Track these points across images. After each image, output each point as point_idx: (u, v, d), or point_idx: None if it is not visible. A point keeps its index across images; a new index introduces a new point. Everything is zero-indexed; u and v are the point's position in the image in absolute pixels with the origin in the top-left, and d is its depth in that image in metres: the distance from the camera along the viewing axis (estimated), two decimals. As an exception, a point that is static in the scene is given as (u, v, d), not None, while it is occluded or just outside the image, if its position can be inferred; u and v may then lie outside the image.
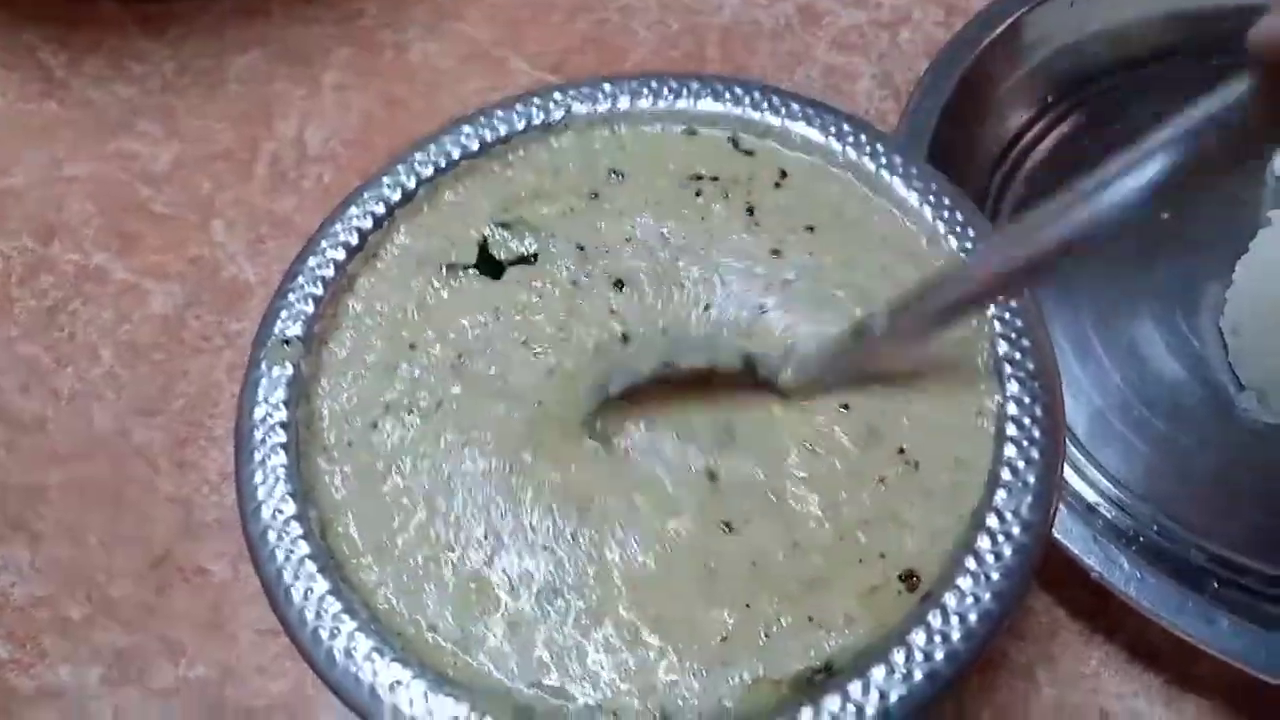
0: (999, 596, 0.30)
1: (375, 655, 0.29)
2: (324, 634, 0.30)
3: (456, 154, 0.38)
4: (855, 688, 0.28)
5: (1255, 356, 0.48)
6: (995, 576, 0.30)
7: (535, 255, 0.37)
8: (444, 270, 0.37)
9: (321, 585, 0.30)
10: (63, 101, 0.60)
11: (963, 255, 0.36)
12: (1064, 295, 0.50)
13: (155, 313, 0.52)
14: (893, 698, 0.28)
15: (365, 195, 0.38)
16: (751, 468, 0.33)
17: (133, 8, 0.62)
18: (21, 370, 0.51)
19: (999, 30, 0.54)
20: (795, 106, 0.39)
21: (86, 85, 0.60)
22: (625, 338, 0.35)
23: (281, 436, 0.33)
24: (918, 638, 0.29)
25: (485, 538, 0.32)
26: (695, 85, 0.40)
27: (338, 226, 0.37)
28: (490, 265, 0.37)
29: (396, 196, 0.38)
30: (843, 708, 0.28)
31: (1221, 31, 0.58)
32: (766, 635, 0.30)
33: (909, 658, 0.29)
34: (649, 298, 0.36)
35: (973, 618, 0.29)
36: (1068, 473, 0.45)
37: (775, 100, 0.39)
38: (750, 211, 0.37)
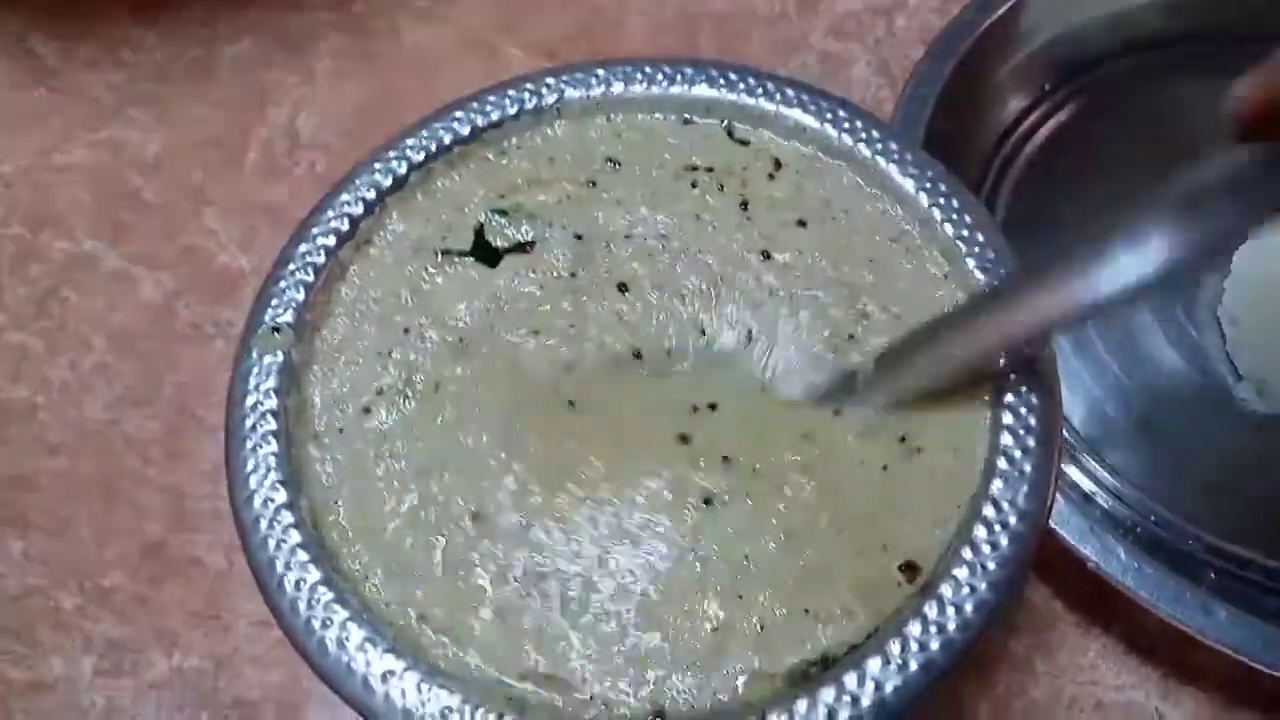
0: (995, 586, 0.29)
1: (368, 645, 0.29)
2: (316, 624, 0.29)
3: (448, 139, 0.38)
4: (851, 679, 0.28)
5: (1253, 346, 0.48)
6: (992, 566, 0.29)
7: (532, 243, 0.37)
8: (439, 256, 0.36)
9: (313, 575, 0.30)
10: (53, 89, 0.59)
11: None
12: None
13: (146, 301, 0.52)
14: (888, 688, 0.28)
15: (357, 181, 0.37)
16: (746, 456, 0.32)
17: (126, -5, 0.62)
18: (11, 358, 0.51)
19: (996, 15, 0.54)
20: (790, 92, 0.39)
21: (77, 72, 0.60)
22: (637, 354, 0.35)
23: (272, 425, 0.33)
24: (913, 628, 0.29)
25: (474, 523, 0.32)
26: (689, 71, 0.39)
27: (329, 213, 0.37)
28: (486, 252, 0.37)
29: (388, 182, 0.37)
30: (838, 699, 0.28)
31: (1221, 17, 0.58)
32: (761, 628, 0.30)
33: (904, 648, 0.28)
34: (652, 307, 0.35)
35: (969, 608, 0.29)
36: (1065, 462, 0.45)
37: (770, 86, 0.39)
38: (744, 206, 0.37)
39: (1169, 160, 0.54)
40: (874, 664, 0.28)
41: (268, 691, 0.43)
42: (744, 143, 0.38)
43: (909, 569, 0.30)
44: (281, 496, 0.31)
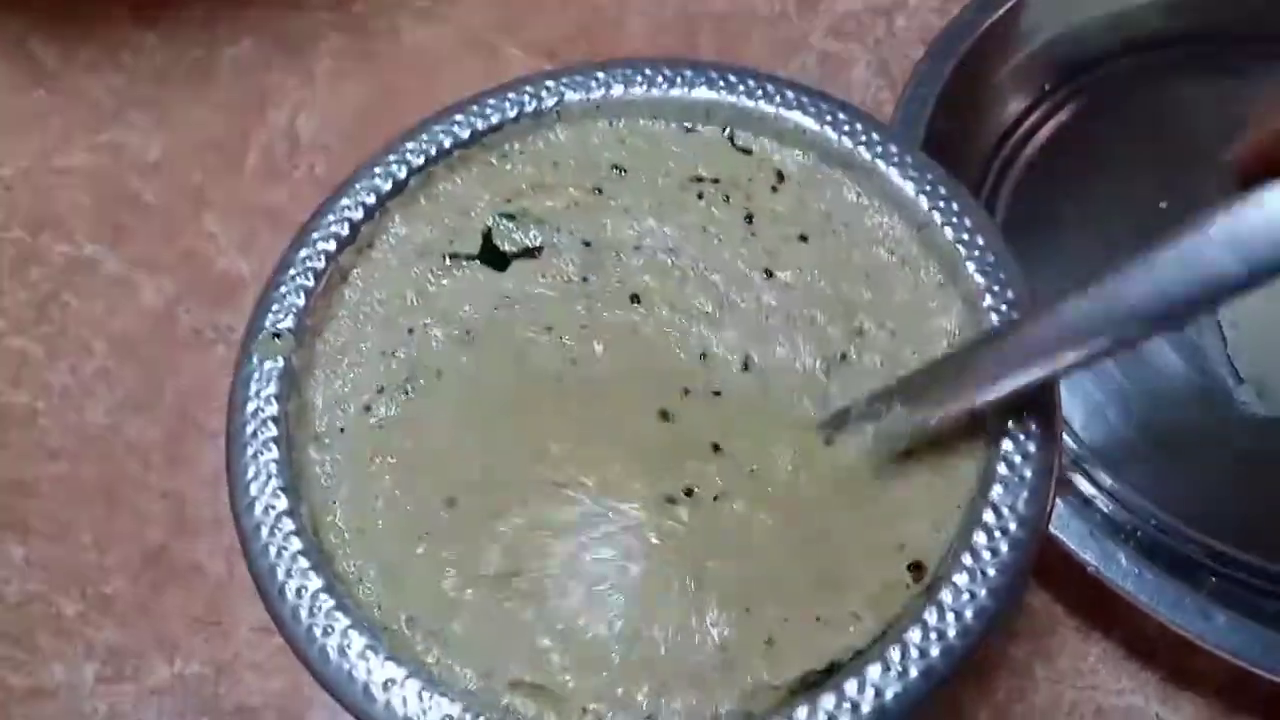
0: (995, 593, 0.29)
1: (369, 653, 0.29)
2: (317, 631, 0.29)
3: (448, 143, 0.38)
4: (851, 686, 0.28)
5: (1254, 349, 0.47)
6: (992, 573, 0.29)
7: (540, 249, 0.37)
8: (446, 259, 0.37)
9: (314, 582, 0.30)
10: (53, 91, 0.59)
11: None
12: (1062, 284, 0.50)
13: (147, 306, 0.52)
14: (888, 695, 0.28)
15: (356, 185, 0.37)
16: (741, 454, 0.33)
17: (125, -3, 0.62)
18: (12, 363, 0.51)
19: (996, 15, 0.54)
20: (790, 94, 0.39)
21: (77, 75, 0.60)
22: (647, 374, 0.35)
23: (273, 431, 0.33)
24: (914, 635, 0.29)
25: (449, 520, 0.32)
26: (689, 73, 0.39)
27: (329, 217, 0.37)
28: (494, 256, 0.37)
29: (388, 186, 0.37)
30: (838, 706, 0.28)
31: (1221, 17, 0.58)
32: (769, 643, 0.30)
33: (905, 655, 0.28)
34: (664, 323, 0.35)
35: (969, 614, 0.29)
36: (1065, 467, 0.45)
37: (770, 88, 0.39)
38: (749, 219, 0.37)
39: (1169, 161, 0.54)
40: (874, 671, 0.28)
41: (269, 698, 0.43)
42: (746, 151, 0.38)
43: (916, 569, 0.31)
44: (282, 503, 0.31)
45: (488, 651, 0.30)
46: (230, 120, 0.58)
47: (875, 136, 0.38)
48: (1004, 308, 0.34)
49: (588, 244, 0.37)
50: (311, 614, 0.30)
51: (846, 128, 0.38)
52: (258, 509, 0.31)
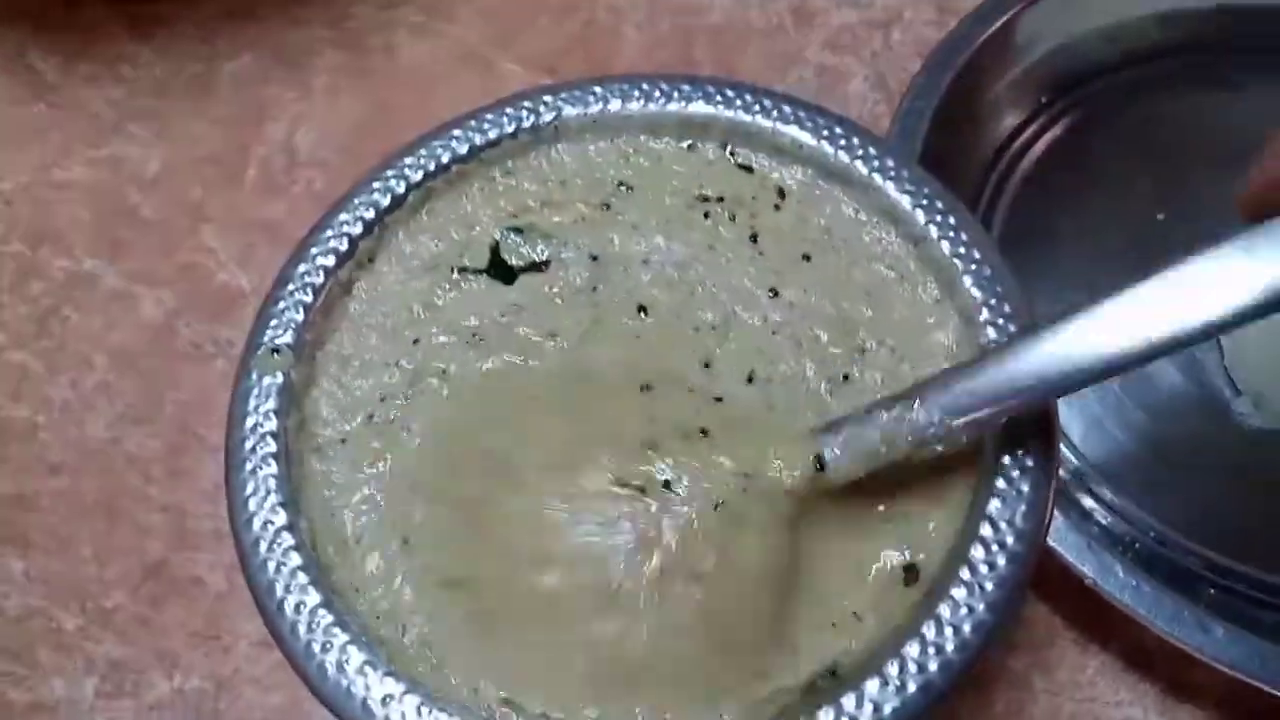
0: (993, 607, 0.29)
1: (368, 669, 0.29)
2: (316, 647, 0.29)
3: (446, 158, 0.38)
4: (849, 700, 0.28)
5: (1251, 361, 0.48)
6: (990, 587, 0.30)
7: (547, 262, 0.37)
8: (454, 272, 0.37)
9: (313, 598, 0.30)
10: (53, 105, 0.59)
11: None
12: (1059, 298, 0.50)
13: (146, 320, 0.52)
14: (886, 710, 0.28)
15: (355, 200, 0.37)
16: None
17: (123, 10, 0.62)
18: (12, 378, 0.51)
19: (992, 29, 0.54)
20: (786, 109, 0.39)
21: (77, 88, 0.60)
22: (647, 386, 0.35)
23: (272, 446, 0.33)
24: (911, 649, 0.29)
25: (420, 525, 0.32)
26: (686, 88, 0.40)
27: (327, 233, 0.37)
28: (502, 270, 0.37)
29: (386, 201, 0.37)
30: (837, 720, 0.28)
31: (1218, 29, 0.58)
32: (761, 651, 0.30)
33: (903, 669, 0.28)
34: (670, 333, 0.36)
35: (967, 628, 0.29)
36: (1062, 479, 0.45)
37: (766, 103, 0.39)
38: (754, 238, 0.37)
39: (1166, 174, 0.54)
40: (872, 685, 0.28)
41: (268, 714, 0.43)
42: (747, 169, 0.39)
43: (909, 571, 0.31)
44: (281, 518, 0.31)
45: (484, 663, 0.30)
46: (229, 134, 0.58)
47: (872, 151, 0.38)
48: (1001, 322, 0.34)
49: (595, 258, 0.37)
50: (310, 629, 0.30)
51: (843, 142, 0.38)
52: (256, 524, 0.31)
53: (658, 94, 0.39)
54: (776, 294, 0.36)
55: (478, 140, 0.39)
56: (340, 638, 0.29)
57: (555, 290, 0.36)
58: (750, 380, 0.34)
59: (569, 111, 0.39)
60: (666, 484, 0.31)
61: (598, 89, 0.40)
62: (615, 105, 0.39)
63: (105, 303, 0.53)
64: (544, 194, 0.38)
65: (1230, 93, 0.57)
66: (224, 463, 0.33)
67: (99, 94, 0.60)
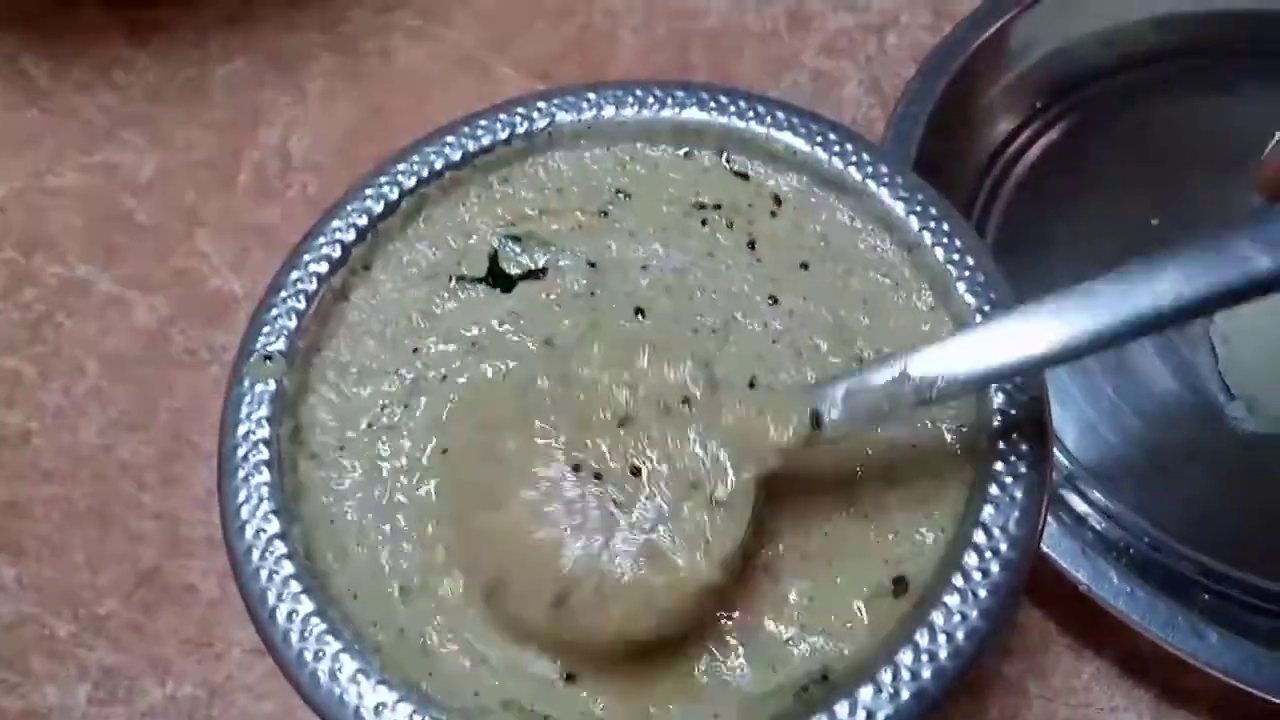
0: (987, 614, 0.29)
1: (360, 677, 0.29)
2: (308, 656, 0.29)
3: (440, 164, 0.38)
4: (842, 708, 0.28)
5: (1245, 365, 0.48)
6: (983, 594, 0.30)
7: (544, 270, 0.37)
8: (452, 281, 0.37)
9: (306, 606, 0.30)
10: (45, 110, 0.59)
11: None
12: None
13: (140, 326, 0.52)
14: (880, 716, 0.28)
15: (348, 207, 0.37)
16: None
17: (117, 15, 0.62)
18: (5, 384, 0.51)
19: (987, 34, 0.54)
20: (780, 115, 0.39)
21: (69, 94, 0.60)
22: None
23: (264, 454, 0.33)
24: (905, 656, 0.29)
25: (459, 535, 0.32)
26: (680, 94, 0.40)
27: (320, 239, 0.37)
28: (500, 279, 0.37)
29: (379, 208, 0.37)
30: (831, 728, 0.28)
31: (1214, 33, 0.58)
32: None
33: (896, 676, 0.28)
34: (668, 333, 0.36)
35: (960, 635, 0.29)
36: (1056, 484, 0.45)
37: (760, 109, 0.39)
38: (752, 245, 0.37)
39: (1161, 178, 0.54)
40: (866, 693, 0.28)
41: (262, 720, 0.43)
42: (743, 176, 0.39)
43: (898, 583, 0.31)
44: (274, 526, 0.31)
45: (479, 669, 0.30)
46: (223, 139, 0.58)
47: (866, 157, 0.38)
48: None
49: (593, 265, 0.37)
50: (303, 638, 0.30)
51: (837, 148, 0.38)
52: (249, 532, 0.31)
53: (652, 100, 0.39)
54: (776, 301, 0.36)
55: (471, 147, 0.39)
56: (332, 646, 0.29)
57: (553, 297, 0.36)
58: (752, 386, 0.34)
59: (563, 117, 0.39)
60: (635, 469, 0.30)
61: (592, 95, 0.40)
62: (610, 111, 0.39)
63: (98, 309, 0.53)
64: (541, 202, 0.38)
65: (1226, 97, 0.57)
66: (216, 470, 0.33)
67: (92, 100, 0.60)
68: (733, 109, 0.39)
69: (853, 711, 0.28)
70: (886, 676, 0.28)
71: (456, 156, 0.38)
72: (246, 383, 0.34)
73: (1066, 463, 0.46)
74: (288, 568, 0.31)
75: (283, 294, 0.36)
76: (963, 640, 0.29)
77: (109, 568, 0.46)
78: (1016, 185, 0.55)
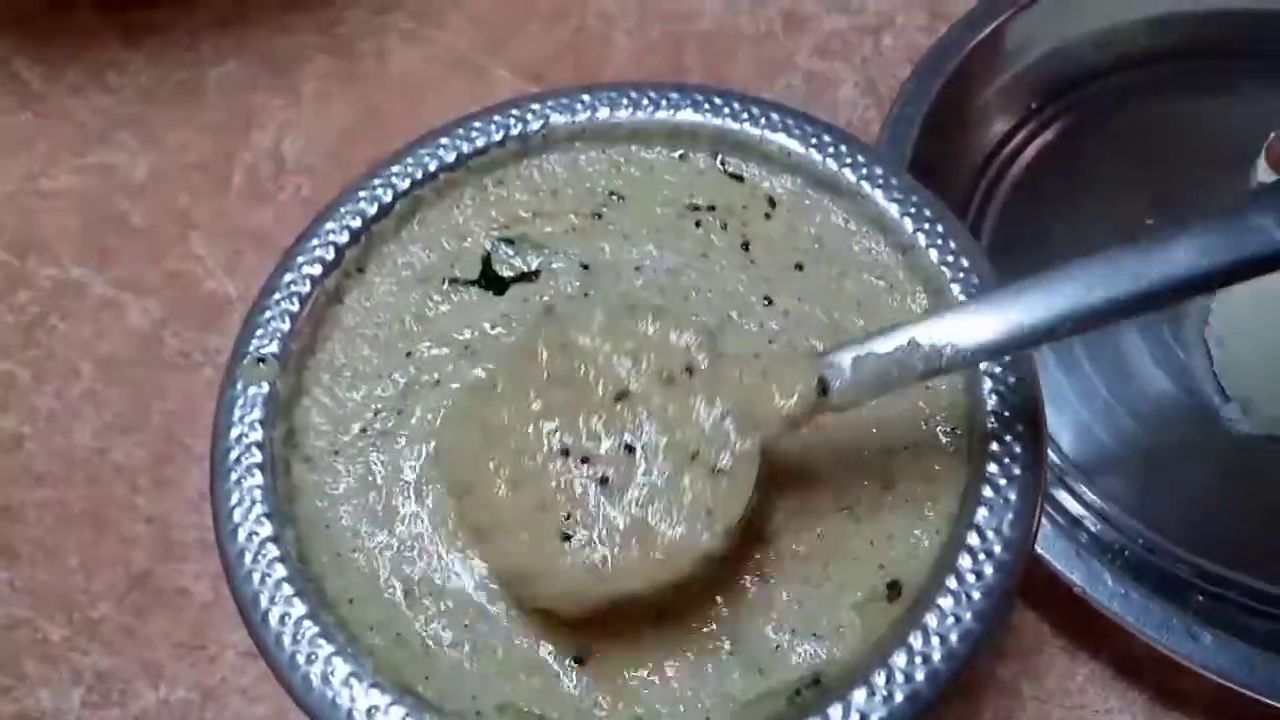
0: (980, 616, 0.29)
1: (353, 680, 0.29)
2: (301, 659, 0.29)
3: (434, 166, 0.38)
4: (836, 711, 0.28)
5: (1240, 367, 0.48)
6: (977, 596, 0.29)
7: (537, 272, 0.37)
8: (445, 284, 0.37)
9: (298, 609, 0.30)
10: (39, 113, 0.59)
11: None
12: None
13: (134, 328, 0.52)
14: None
15: (342, 209, 0.37)
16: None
17: (111, 17, 0.62)
18: (-1, 387, 0.51)
19: (983, 35, 0.54)
20: (775, 117, 0.39)
21: (63, 96, 0.60)
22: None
23: (257, 457, 0.33)
24: (898, 659, 0.29)
25: (449, 527, 0.32)
26: (675, 96, 0.40)
27: (313, 241, 0.37)
28: (493, 281, 0.37)
29: (373, 210, 0.37)
30: (824, 731, 0.28)
31: (1209, 33, 0.58)
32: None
33: (890, 679, 0.28)
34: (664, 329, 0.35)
35: (954, 638, 0.29)
36: (1051, 486, 0.45)
37: (755, 111, 0.39)
38: (746, 246, 0.37)
39: (1157, 178, 0.54)
40: (859, 695, 0.28)
41: (255, 723, 0.43)
42: (738, 178, 0.39)
43: (892, 587, 0.31)
44: (266, 530, 0.31)
45: (479, 669, 0.30)
46: (216, 141, 0.58)
47: (860, 158, 0.38)
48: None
49: (586, 267, 0.37)
50: (295, 641, 0.29)
51: (831, 150, 0.38)
52: (241, 535, 0.31)
53: (646, 102, 0.39)
54: (770, 302, 0.36)
55: (465, 149, 0.39)
56: (325, 649, 0.29)
57: (546, 299, 0.36)
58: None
59: (557, 120, 0.39)
60: (629, 447, 0.30)
61: (586, 97, 0.40)
62: (604, 113, 0.39)
63: (93, 311, 0.52)
64: (535, 204, 0.38)
65: (1222, 98, 0.57)
66: (209, 473, 0.33)
67: (85, 102, 0.60)
68: (727, 111, 0.39)
69: (846, 714, 0.28)
70: (880, 679, 0.28)
71: (450, 158, 0.38)
72: (239, 385, 0.34)
73: (1061, 464, 0.46)
74: (280, 571, 0.31)
75: (276, 296, 0.36)
76: (956, 642, 0.29)
77: (102, 571, 0.46)
78: (1012, 186, 0.55)
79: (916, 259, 0.36)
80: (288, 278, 0.36)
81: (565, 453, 0.30)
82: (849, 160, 0.38)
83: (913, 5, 0.62)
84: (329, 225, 0.37)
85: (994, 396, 0.33)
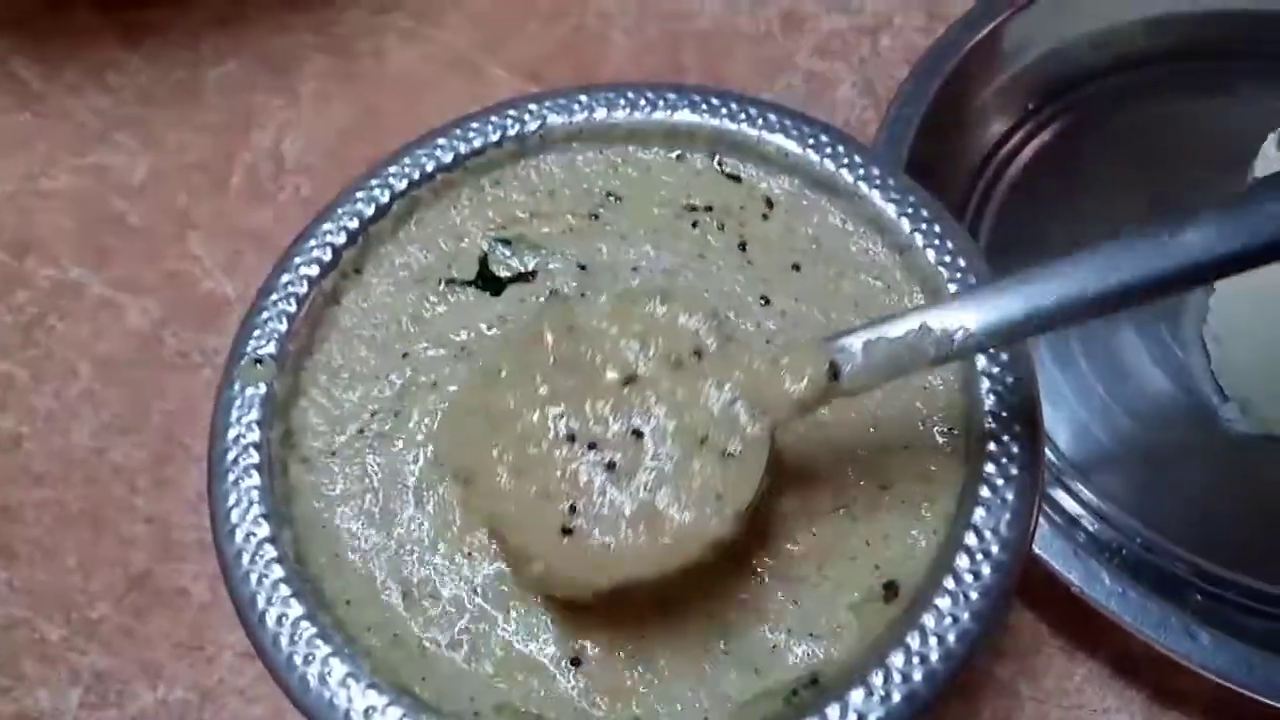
0: (978, 616, 0.29)
1: (350, 681, 0.29)
2: (298, 659, 0.29)
3: (431, 166, 0.38)
4: (833, 711, 0.28)
5: (1238, 366, 0.48)
6: (974, 596, 0.29)
7: (534, 273, 0.37)
8: (442, 284, 0.37)
9: (296, 610, 0.30)
10: (38, 113, 0.59)
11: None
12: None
13: (133, 328, 0.52)
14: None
15: (339, 210, 0.37)
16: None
17: (110, 17, 0.62)
18: (-3, 388, 0.51)
19: (981, 35, 0.54)
20: (772, 117, 0.39)
21: (62, 96, 0.60)
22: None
23: (255, 458, 0.33)
24: (896, 659, 0.29)
25: (453, 538, 0.32)
26: (672, 96, 0.40)
27: (311, 242, 0.37)
28: (490, 282, 0.37)
29: (370, 211, 0.37)
30: (822, 731, 0.28)
31: (1206, 34, 0.58)
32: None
33: (887, 679, 0.28)
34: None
35: (951, 638, 0.29)
36: (1049, 486, 0.45)
37: (752, 111, 0.39)
38: (743, 247, 0.37)
39: (1155, 178, 0.54)
40: (857, 695, 0.28)
41: (253, 724, 0.43)
42: (735, 179, 0.39)
43: (889, 588, 0.31)
44: (264, 530, 0.31)
45: (478, 669, 0.30)
46: (215, 141, 0.58)
47: (857, 159, 0.38)
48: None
49: (583, 267, 0.37)
50: (292, 642, 0.30)
51: (828, 150, 0.38)
52: (239, 536, 0.31)
53: (643, 102, 0.39)
54: (768, 302, 0.36)
55: (462, 149, 0.39)
56: (322, 650, 0.29)
57: (542, 300, 0.36)
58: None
59: (555, 120, 0.39)
60: (636, 432, 0.30)
61: (583, 97, 0.40)
62: (601, 114, 0.39)
63: (91, 311, 0.52)
64: (532, 205, 0.38)
65: (1220, 98, 0.58)
66: (206, 473, 0.33)
67: (84, 102, 0.59)
68: (724, 111, 0.39)
69: (844, 715, 0.28)
70: (878, 679, 0.28)
71: (448, 159, 0.38)
72: (237, 386, 0.34)
73: (1059, 463, 0.46)
74: (277, 571, 0.31)
75: (273, 297, 0.36)
76: (954, 642, 0.29)
77: (101, 571, 0.46)
78: (1009, 187, 0.55)
79: (914, 259, 0.36)
80: (285, 279, 0.36)
81: (571, 438, 0.30)
82: (846, 161, 0.38)
83: (911, 6, 0.62)
84: (326, 226, 0.37)
85: (991, 396, 0.33)
